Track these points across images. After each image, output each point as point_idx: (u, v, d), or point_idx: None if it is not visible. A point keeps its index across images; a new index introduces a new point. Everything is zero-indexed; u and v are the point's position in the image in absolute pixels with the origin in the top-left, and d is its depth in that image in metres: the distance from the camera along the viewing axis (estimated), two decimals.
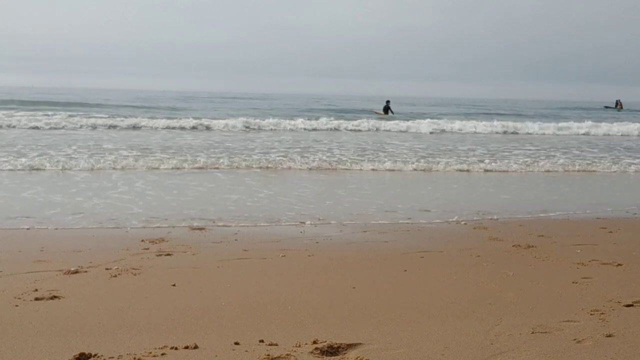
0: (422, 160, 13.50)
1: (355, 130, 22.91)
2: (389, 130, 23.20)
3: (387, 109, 32.18)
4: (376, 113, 32.88)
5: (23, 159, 11.65)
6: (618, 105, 53.18)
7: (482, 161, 13.72)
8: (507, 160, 13.93)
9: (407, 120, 26.20)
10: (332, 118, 25.65)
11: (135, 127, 21.15)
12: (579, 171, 13.10)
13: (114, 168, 11.32)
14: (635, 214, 8.03)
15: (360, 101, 51.72)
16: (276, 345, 3.16)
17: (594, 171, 13.14)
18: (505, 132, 24.49)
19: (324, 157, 13.45)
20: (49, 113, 23.74)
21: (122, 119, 22.60)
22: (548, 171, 12.94)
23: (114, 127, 20.90)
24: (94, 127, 20.61)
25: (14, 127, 19.76)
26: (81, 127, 20.42)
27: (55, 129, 19.73)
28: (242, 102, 50.65)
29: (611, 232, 6.55)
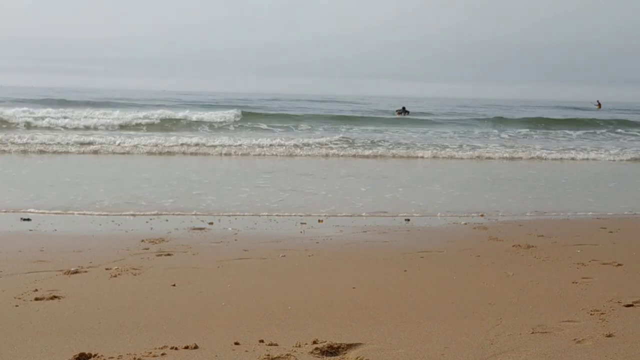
0: None
1: None
2: None
3: (404, 111, 35.34)
4: (397, 112, 35.52)
5: None
6: (598, 105, 52.72)
7: None
8: None
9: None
10: None
11: (479, 158, 15.68)
12: None
13: None
14: (635, 213, 8.04)
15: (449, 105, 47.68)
16: (276, 345, 3.16)
17: None
18: None
19: None
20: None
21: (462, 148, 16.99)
22: None
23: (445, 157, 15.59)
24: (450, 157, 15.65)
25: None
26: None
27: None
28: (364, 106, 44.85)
29: (611, 232, 6.55)
